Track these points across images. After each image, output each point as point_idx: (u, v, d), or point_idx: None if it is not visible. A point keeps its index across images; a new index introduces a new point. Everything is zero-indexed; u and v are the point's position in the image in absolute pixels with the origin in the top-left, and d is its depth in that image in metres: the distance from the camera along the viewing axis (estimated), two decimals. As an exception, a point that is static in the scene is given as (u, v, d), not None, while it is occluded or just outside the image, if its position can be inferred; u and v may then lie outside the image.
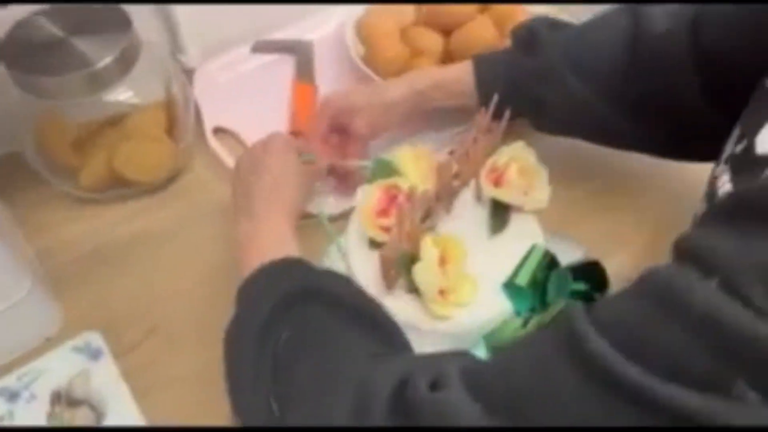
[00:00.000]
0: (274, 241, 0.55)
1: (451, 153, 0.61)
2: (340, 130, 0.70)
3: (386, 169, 0.60)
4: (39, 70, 0.60)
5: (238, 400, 0.49)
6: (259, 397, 0.46)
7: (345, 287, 0.53)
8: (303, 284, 0.50)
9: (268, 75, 0.85)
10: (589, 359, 0.33)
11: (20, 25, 0.63)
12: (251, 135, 0.78)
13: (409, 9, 0.83)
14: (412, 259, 0.55)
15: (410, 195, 0.54)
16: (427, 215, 0.58)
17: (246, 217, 0.57)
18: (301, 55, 0.86)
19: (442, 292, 0.57)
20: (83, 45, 0.62)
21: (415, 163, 0.60)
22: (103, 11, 0.65)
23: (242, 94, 0.83)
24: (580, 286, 0.58)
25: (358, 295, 0.53)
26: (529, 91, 0.64)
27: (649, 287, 0.34)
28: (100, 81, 0.62)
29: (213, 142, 0.76)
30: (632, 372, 0.32)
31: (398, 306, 0.58)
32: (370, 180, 0.60)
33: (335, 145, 0.71)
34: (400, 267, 0.55)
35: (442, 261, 0.56)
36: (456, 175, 0.62)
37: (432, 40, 0.79)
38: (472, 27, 0.79)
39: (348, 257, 0.62)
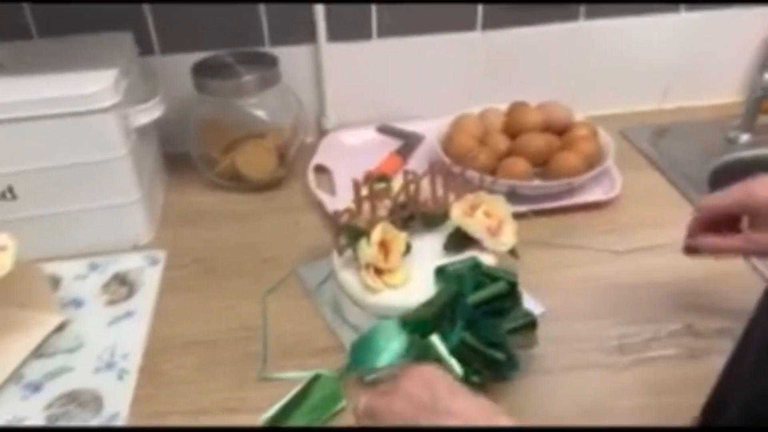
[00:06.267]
0: None
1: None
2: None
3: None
4: (210, 77, 0.94)
5: None
6: None
7: None
8: None
9: (377, 147, 1.08)
10: None
11: (209, 57, 0.98)
12: (341, 173, 1.01)
13: (499, 120, 1.01)
14: (361, 234, 0.70)
15: (372, 184, 0.71)
16: (392, 213, 0.73)
17: None
18: (410, 140, 1.09)
19: (379, 272, 0.70)
20: (241, 69, 0.94)
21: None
22: (263, 55, 0.97)
23: (351, 151, 1.07)
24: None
25: None
26: None
27: None
28: (242, 90, 0.93)
29: (311, 173, 1.00)
30: None
31: (346, 277, 0.72)
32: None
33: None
34: (348, 236, 0.71)
35: (385, 247, 0.70)
36: (434, 201, 0.76)
37: (498, 139, 0.96)
38: (532, 135, 0.95)
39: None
